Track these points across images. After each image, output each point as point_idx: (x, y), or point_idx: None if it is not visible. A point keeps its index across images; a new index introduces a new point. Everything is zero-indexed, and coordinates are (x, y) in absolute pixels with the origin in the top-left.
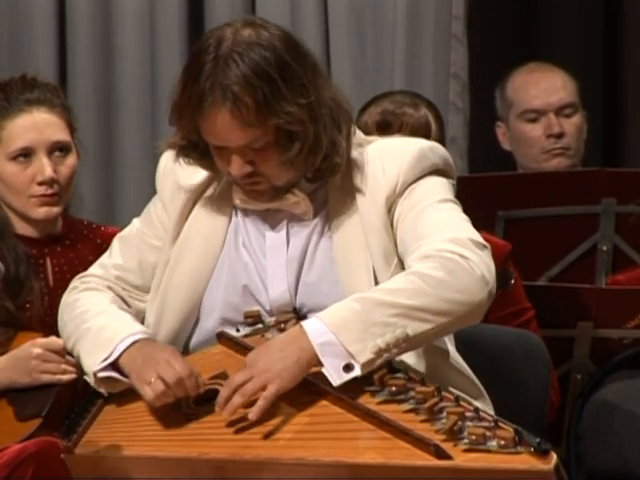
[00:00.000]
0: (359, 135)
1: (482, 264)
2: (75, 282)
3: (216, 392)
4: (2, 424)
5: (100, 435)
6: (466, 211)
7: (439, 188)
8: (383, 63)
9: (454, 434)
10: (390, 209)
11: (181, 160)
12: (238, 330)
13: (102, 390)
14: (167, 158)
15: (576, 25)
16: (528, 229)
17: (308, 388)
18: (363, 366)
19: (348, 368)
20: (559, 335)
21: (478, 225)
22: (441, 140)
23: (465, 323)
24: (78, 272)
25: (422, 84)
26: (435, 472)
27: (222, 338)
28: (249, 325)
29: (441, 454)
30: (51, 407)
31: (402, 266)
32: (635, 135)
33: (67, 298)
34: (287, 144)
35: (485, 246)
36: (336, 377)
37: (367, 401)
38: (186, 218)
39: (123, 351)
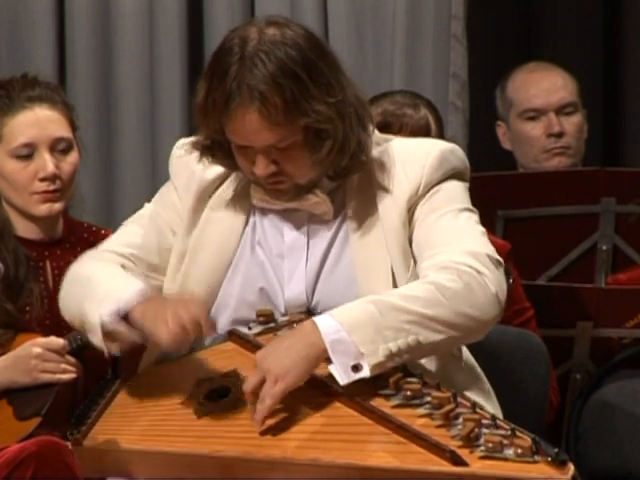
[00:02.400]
0: (376, 133)
1: (497, 282)
2: (85, 255)
3: (227, 389)
4: (2, 423)
5: (109, 428)
6: None
7: (459, 195)
8: (382, 63)
9: (470, 441)
10: (410, 209)
11: (205, 159)
12: (250, 328)
13: (106, 347)
14: (180, 146)
15: (576, 24)
16: (528, 229)
17: (322, 389)
18: (373, 368)
19: (356, 368)
20: (559, 335)
21: None
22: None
23: (472, 339)
24: None
25: (421, 84)
26: (451, 478)
27: (233, 336)
28: (261, 324)
29: (457, 460)
30: (51, 406)
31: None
32: (635, 135)
33: (74, 266)
34: (316, 143)
35: (500, 264)
36: (344, 376)
37: (382, 404)
38: (201, 211)
39: (134, 304)
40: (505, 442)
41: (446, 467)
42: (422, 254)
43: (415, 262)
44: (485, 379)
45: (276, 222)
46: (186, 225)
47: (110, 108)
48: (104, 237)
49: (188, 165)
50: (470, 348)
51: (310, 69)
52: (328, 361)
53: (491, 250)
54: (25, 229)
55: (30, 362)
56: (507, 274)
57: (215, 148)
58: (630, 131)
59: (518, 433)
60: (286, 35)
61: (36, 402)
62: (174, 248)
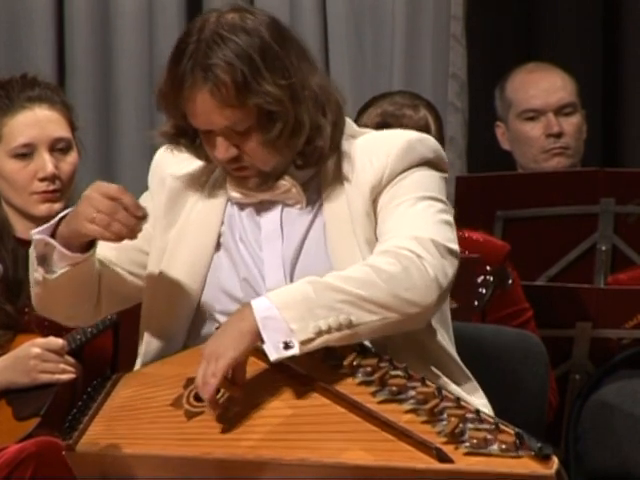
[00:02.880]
0: (352, 127)
1: (438, 267)
2: None
3: (216, 390)
4: (1, 424)
5: (101, 433)
6: (465, 211)
7: (424, 183)
8: (382, 63)
9: (455, 437)
10: (375, 199)
11: (174, 150)
12: None
13: (43, 272)
14: (160, 153)
15: (576, 24)
16: (527, 229)
17: (310, 386)
18: (302, 344)
19: (288, 346)
20: (558, 335)
21: (477, 225)
22: (440, 141)
23: (412, 324)
24: None
25: (421, 84)
26: (437, 475)
27: None
28: None
29: (443, 457)
30: (50, 406)
31: None
32: (634, 135)
33: None
34: (268, 125)
35: (450, 251)
36: (274, 352)
37: (368, 400)
38: (179, 207)
39: (57, 225)
40: (489, 437)
41: (433, 464)
42: (378, 241)
43: None
44: (464, 366)
45: (253, 215)
46: (162, 226)
47: (109, 108)
48: None
49: (161, 170)
50: (469, 348)
51: (265, 53)
52: (261, 339)
53: (441, 237)
54: (24, 230)
55: (29, 362)
56: (506, 275)
57: (180, 135)
58: (629, 131)
59: (502, 427)
60: (245, 20)
61: (35, 402)
62: (153, 246)
